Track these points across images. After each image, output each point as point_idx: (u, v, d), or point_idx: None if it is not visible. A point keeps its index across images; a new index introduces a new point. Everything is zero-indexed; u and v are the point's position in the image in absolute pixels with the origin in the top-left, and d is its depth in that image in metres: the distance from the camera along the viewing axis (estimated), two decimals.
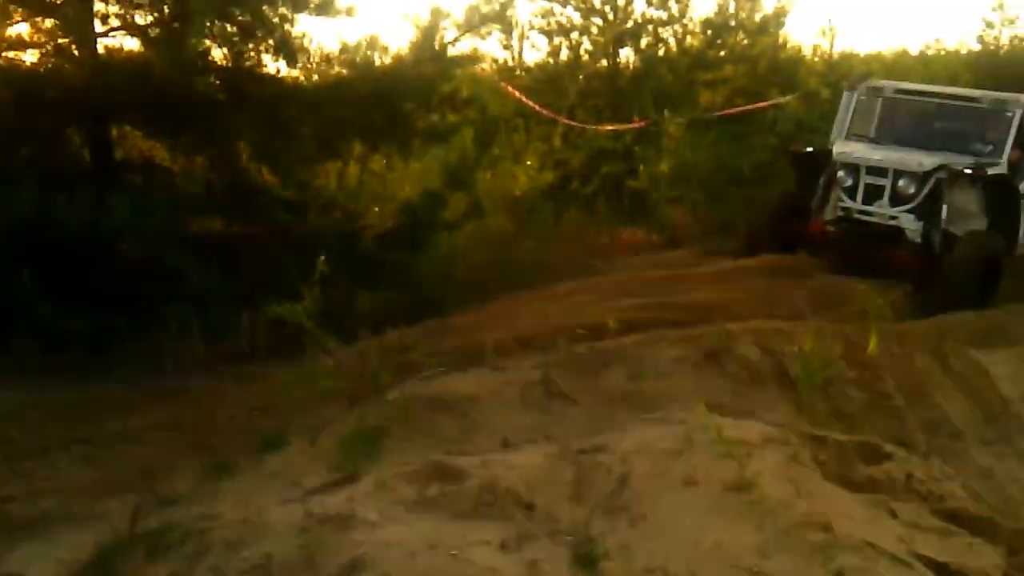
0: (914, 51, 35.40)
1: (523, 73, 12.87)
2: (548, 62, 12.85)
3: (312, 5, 7.06)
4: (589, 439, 4.51)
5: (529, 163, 10.35)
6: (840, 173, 9.16)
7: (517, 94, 11.08)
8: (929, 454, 5.38)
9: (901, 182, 8.83)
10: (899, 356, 6.55)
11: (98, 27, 6.97)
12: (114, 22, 7.02)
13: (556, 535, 3.73)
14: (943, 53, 33.55)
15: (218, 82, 7.17)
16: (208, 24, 6.69)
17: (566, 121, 11.28)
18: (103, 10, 6.92)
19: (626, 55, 13.25)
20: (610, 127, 11.62)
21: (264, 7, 6.90)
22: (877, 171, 9.00)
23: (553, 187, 10.68)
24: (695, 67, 13.43)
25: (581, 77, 12.47)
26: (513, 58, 13.07)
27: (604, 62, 12.86)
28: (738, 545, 3.74)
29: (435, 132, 7.88)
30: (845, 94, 10.17)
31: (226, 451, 4.52)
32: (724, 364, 5.45)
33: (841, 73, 17.67)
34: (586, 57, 12.80)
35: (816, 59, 17.71)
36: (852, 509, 4.29)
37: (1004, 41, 29.46)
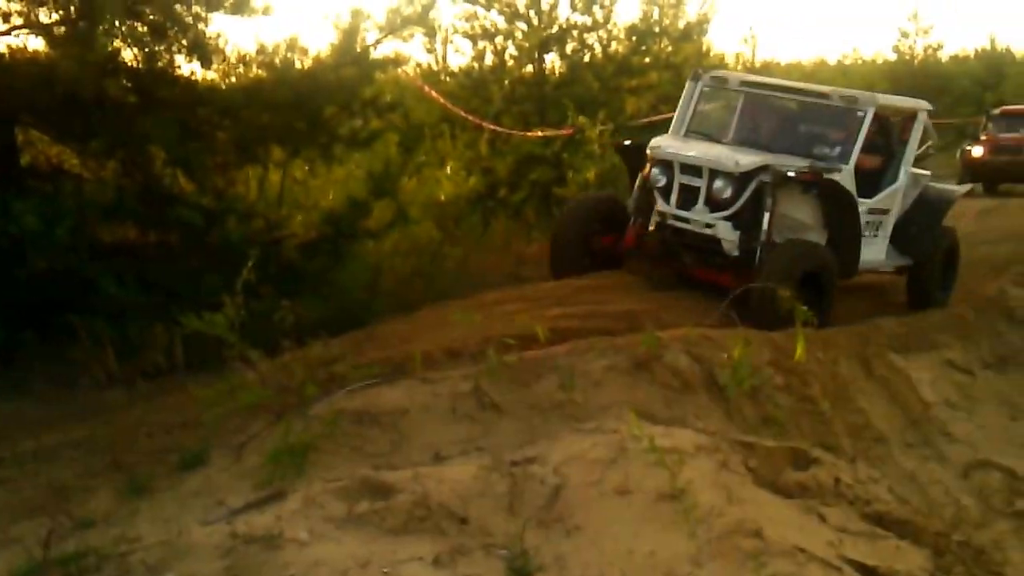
0: (832, 61, 36.59)
1: (447, 78, 12.79)
2: (473, 67, 12.77)
3: (227, 4, 6.81)
4: (522, 450, 4.46)
5: (453, 169, 10.25)
6: (654, 171, 7.85)
7: (441, 99, 10.98)
8: (855, 458, 5.45)
9: (716, 184, 7.52)
10: (824, 362, 6.62)
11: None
12: (16, 20, 6.69)
13: (490, 548, 3.67)
14: (860, 62, 34.61)
15: (129, 84, 6.86)
16: (117, 23, 6.42)
17: (492, 127, 11.21)
18: (4, 7, 6.58)
19: (551, 60, 13.24)
20: (537, 134, 11.58)
21: (176, 5, 6.65)
22: (692, 170, 7.67)
23: (480, 194, 10.60)
24: (620, 73, 13.47)
25: (507, 82, 12.41)
26: (437, 62, 13.01)
27: (530, 67, 12.80)
28: (671, 553, 3.73)
29: (358, 138, 7.72)
30: (688, 84, 8.83)
31: (144, 470, 4.33)
32: (654, 372, 5.43)
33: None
34: (511, 62, 12.73)
35: (739, 67, 18.03)
36: (783, 515, 4.32)
37: (919, 51, 30.53)
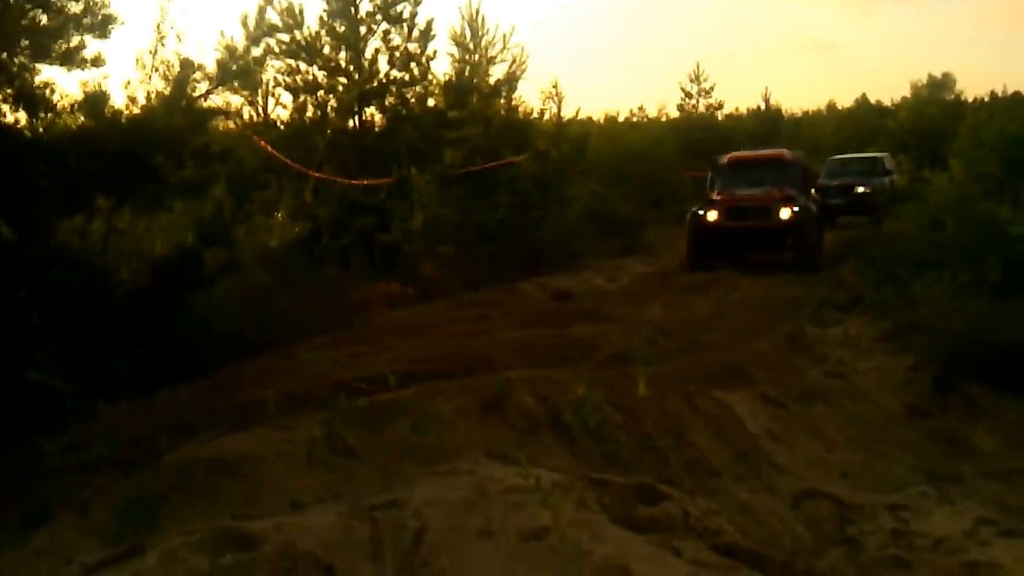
0: (622, 118, 38.16)
1: (267, 129, 12.62)
2: (295, 118, 12.68)
3: (55, 54, 6.57)
4: (380, 495, 4.41)
5: (280, 216, 10.09)
6: None
7: (269, 148, 10.80)
8: (693, 492, 5.61)
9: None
10: (653, 399, 6.80)
11: None
12: None
13: None
14: (647, 119, 36.30)
15: None
16: None
17: (316, 175, 11.11)
18: None
19: (371, 113, 13.33)
20: (362, 182, 11.57)
21: (2, 54, 6.34)
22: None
23: (307, 241, 10.46)
24: (438, 126, 13.70)
25: (329, 132, 12.36)
26: (259, 114, 12.81)
27: (351, 121, 12.83)
28: None
29: (187, 185, 7.51)
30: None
31: None
32: (504, 413, 5.48)
33: (567, 135, 18.72)
34: (333, 114, 12.74)
35: (545, 121, 18.64)
36: (642, 551, 4.41)
37: (701, 109, 32.46)
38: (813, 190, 18.55)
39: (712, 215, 15.19)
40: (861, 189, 22.04)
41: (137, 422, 4.51)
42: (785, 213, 14.71)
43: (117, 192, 7.11)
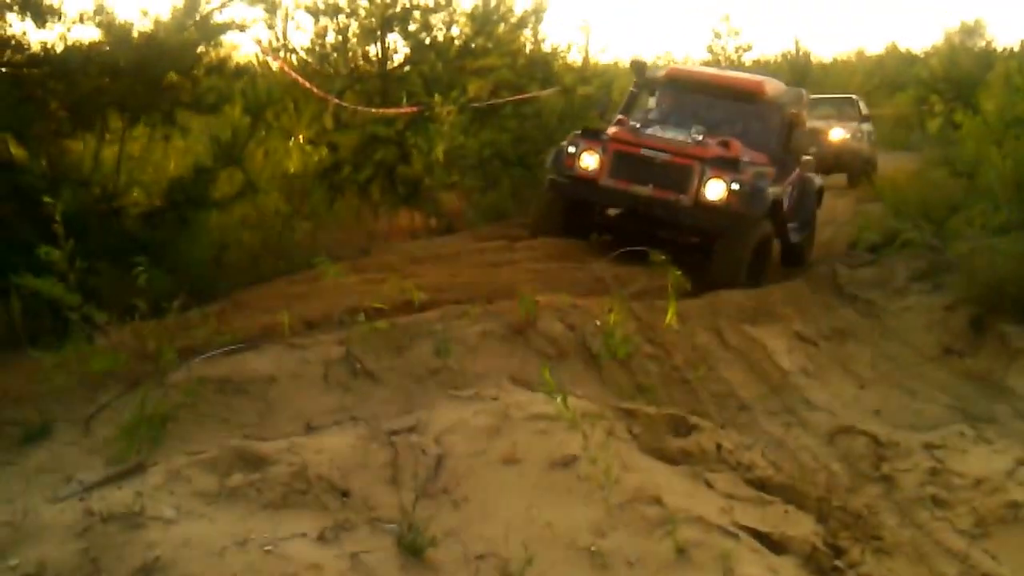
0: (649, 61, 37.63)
1: (288, 53, 12.29)
2: (315, 43, 12.34)
3: None
4: (400, 419, 4.21)
5: (301, 140, 9.81)
6: None
7: (287, 69, 10.48)
8: (724, 425, 5.42)
9: None
10: (683, 332, 6.61)
11: None
12: None
13: (376, 523, 3.40)
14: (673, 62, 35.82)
15: None
16: None
17: (337, 101, 10.79)
18: None
19: (394, 40, 12.97)
20: (383, 111, 11.26)
21: None
22: None
23: (327, 170, 10.18)
24: (463, 55, 13.33)
25: (350, 55, 12.03)
26: (277, 38, 12.45)
27: (373, 47, 12.49)
28: (572, 523, 3.56)
29: (202, 104, 7.23)
30: None
31: None
32: (529, 339, 5.26)
33: (595, 72, 18.33)
34: (354, 40, 12.38)
35: (573, 58, 18.24)
36: (673, 481, 4.23)
37: (730, 51, 31.92)
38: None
39: (587, 160, 8.61)
40: (839, 136, 16.76)
41: (144, 340, 4.29)
42: (714, 189, 8.24)
43: (130, 110, 6.85)
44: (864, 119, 18.31)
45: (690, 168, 8.36)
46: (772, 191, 8.73)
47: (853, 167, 17.07)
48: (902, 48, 37.27)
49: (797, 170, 10.02)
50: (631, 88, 10.64)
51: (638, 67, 10.83)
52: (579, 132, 9.05)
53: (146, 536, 2.99)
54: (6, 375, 4.17)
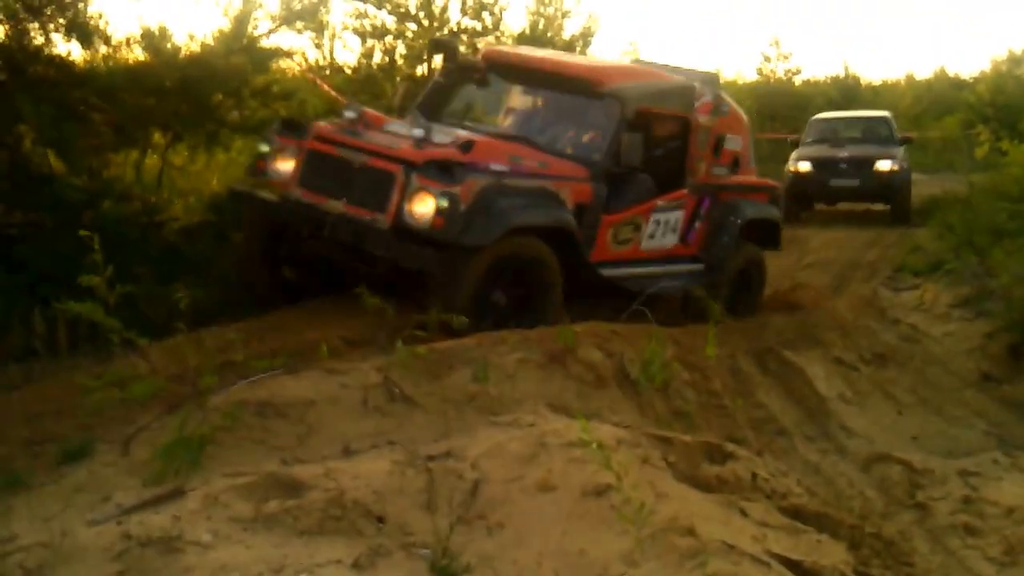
0: None
1: (333, 73, 12.46)
2: (361, 63, 12.50)
3: None
4: (437, 444, 4.22)
5: None
6: None
7: (331, 90, 10.61)
8: (761, 452, 5.41)
9: None
10: (723, 358, 6.61)
11: None
12: None
13: (411, 548, 3.41)
14: (724, 82, 35.85)
15: None
16: None
17: None
18: None
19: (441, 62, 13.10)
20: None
21: None
22: None
23: None
24: None
25: (398, 79, 12.15)
26: (324, 58, 12.65)
27: (420, 68, 12.60)
28: (604, 552, 3.55)
29: (246, 125, 7.39)
30: None
31: (18, 463, 3.89)
32: (567, 366, 5.27)
33: None
34: (401, 61, 12.53)
35: None
36: (707, 510, 4.19)
37: (780, 74, 31.88)
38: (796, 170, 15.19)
39: (281, 164, 6.40)
40: (886, 166, 15.03)
41: (183, 360, 4.35)
42: (421, 205, 5.84)
43: (173, 129, 7.02)
44: (901, 141, 16.09)
45: (391, 176, 5.90)
46: (539, 212, 6.30)
47: (898, 196, 15.16)
48: (951, 73, 37.03)
49: (692, 194, 7.69)
50: (437, 76, 8.06)
51: (444, 48, 8.21)
52: (277, 123, 6.63)
53: (183, 561, 3.02)
54: (47, 388, 4.25)
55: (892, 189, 14.97)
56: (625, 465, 4.01)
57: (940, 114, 28.36)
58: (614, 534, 3.67)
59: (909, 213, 15.04)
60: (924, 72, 45.22)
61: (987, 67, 34.66)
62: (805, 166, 15.24)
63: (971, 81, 31.95)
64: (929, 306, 9.45)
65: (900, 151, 15.45)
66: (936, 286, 9.85)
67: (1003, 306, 8.09)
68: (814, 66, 40.44)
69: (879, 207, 15.74)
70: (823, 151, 15.49)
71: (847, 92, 31.80)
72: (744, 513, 4.32)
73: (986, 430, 6.45)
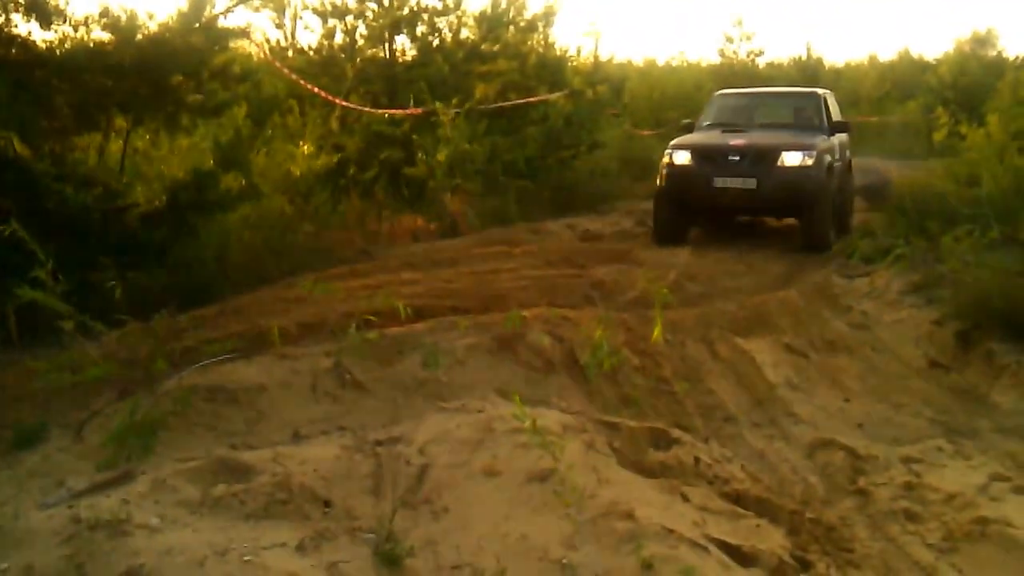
0: (661, 62, 37.76)
1: (295, 54, 12.41)
2: (323, 44, 12.45)
3: None
4: (386, 430, 4.32)
5: (305, 145, 9.91)
6: None
7: (292, 74, 10.60)
8: (708, 438, 5.53)
9: None
10: (673, 344, 6.70)
11: None
12: None
13: (356, 533, 3.51)
14: (686, 64, 35.91)
15: None
16: None
17: (343, 103, 10.91)
18: None
19: (402, 43, 13.08)
20: (388, 112, 11.37)
21: None
22: None
23: (332, 172, 10.30)
24: (470, 59, 13.42)
25: (358, 61, 12.14)
26: (285, 38, 12.58)
27: (380, 49, 12.59)
28: (545, 536, 3.66)
29: (205, 107, 7.35)
30: None
31: None
32: (517, 352, 5.36)
33: (603, 76, 18.39)
34: (362, 42, 12.50)
35: (581, 60, 18.28)
36: (649, 495, 4.31)
37: (742, 55, 31.98)
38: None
39: None
40: (795, 160, 10.41)
41: (136, 346, 4.41)
42: None
43: (134, 111, 6.97)
44: (836, 128, 11.59)
45: None
46: None
47: (811, 215, 10.60)
48: (914, 54, 37.25)
49: None
50: None
51: None
52: None
53: (131, 544, 3.10)
54: (1, 376, 4.29)
55: (802, 196, 10.38)
56: (570, 451, 4.14)
57: (903, 97, 28.49)
58: (555, 518, 3.78)
59: (827, 237, 10.77)
60: (888, 54, 45.45)
61: (951, 48, 34.86)
62: (683, 157, 10.60)
63: (935, 63, 32.15)
64: (880, 293, 9.52)
65: (829, 141, 11.02)
66: (888, 272, 9.94)
67: (951, 293, 8.17)
68: (778, 48, 40.58)
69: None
70: (712, 138, 11.02)
71: (809, 74, 31.95)
72: (685, 498, 4.45)
73: (932, 417, 6.51)
